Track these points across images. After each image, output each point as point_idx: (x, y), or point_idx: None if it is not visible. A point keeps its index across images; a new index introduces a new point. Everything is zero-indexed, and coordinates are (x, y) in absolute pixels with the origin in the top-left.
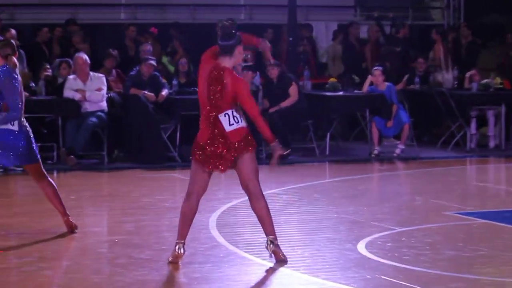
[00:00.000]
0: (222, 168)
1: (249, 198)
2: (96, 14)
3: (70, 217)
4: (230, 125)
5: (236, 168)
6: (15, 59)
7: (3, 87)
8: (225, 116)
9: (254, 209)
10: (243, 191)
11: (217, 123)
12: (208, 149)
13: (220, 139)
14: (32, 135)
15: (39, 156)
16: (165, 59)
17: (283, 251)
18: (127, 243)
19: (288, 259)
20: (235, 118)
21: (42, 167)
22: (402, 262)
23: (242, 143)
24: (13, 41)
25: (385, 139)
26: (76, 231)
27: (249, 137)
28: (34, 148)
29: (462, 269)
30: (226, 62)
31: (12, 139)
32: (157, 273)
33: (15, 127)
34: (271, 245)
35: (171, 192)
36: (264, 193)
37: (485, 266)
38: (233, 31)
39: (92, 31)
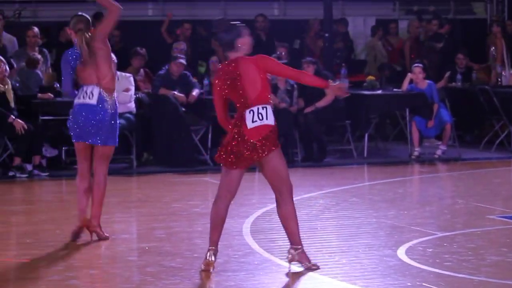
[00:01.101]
0: (241, 167)
1: (277, 201)
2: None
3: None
4: (253, 122)
5: (263, 170)
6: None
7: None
8: (249, 112)
9: (281, 213)
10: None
11: (242, 122)
12: (231, 149)
13: (242, 139)
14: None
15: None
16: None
17: (321, 257)
18: (158, 250)
19: (319, 265)
20: (259, 115)
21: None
22: (444, 269)
23: (265, 142)
24: (87, 17)
25: (426, 140)
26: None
27: (273, 136)
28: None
29: (508, 275)
30: (235, 55)
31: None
32: (189, 282)
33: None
34: (295, 254)
35: (203, 197)
36: (300, 197)
37: None
38: (231, 25)
39: (119, 28)
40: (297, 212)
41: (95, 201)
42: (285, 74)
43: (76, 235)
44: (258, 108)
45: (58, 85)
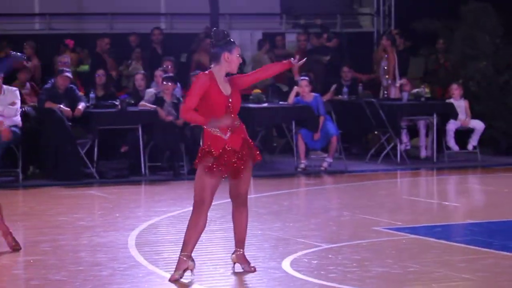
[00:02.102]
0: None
1: (235, 206)
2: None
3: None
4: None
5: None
6: None
7: None
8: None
9: (238, 217)
10: (165, 209)
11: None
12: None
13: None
14: None
15: None
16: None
17: (206, 269)
18: (43, 263)
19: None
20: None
21: None
22: (329, 280)
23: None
24: None
25: (312, 152)
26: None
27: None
28: None
29: (392, 286)
30: (216, 69)
31: None
32: None
33: None
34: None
35: (89, 210)
36: (186, 209)
37: (415, 283)
38: (223, 38)
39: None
40: (183, 224)
41: None
42: (257, 79)
43: None
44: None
45: None
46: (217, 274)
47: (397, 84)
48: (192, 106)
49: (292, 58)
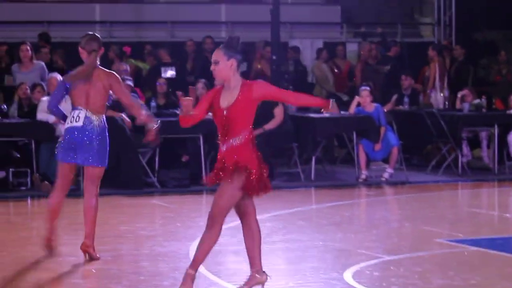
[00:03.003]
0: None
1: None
2: (71, 32)
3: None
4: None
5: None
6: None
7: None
8: None
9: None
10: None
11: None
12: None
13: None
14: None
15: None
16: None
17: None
18: (104, 273)
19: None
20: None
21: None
22: None
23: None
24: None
25: (373, 163)
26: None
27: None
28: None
29: None
30: None
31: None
32: None
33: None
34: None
35: (150, 219)
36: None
37: None
38: (234, 46)
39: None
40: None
41: (88, 222)
42: (285, 100)
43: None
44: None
45: (4, 107)
46: (279, 285)
47: (439, 94)
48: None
49: (332, 100)
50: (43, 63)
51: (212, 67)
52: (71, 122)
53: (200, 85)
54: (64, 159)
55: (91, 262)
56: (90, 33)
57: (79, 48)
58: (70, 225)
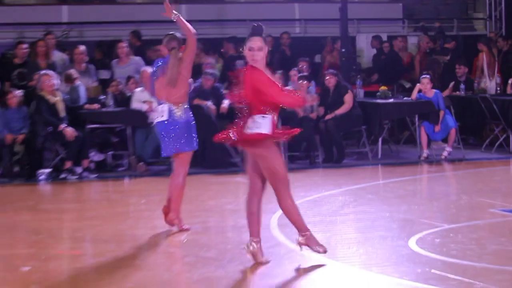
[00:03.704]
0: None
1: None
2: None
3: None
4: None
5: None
6: (180, 53)
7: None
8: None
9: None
10: (302, 193)
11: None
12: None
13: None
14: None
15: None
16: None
17: (341, 247)
18: (195, 243)
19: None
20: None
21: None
22: (450, 257)
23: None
24: (179, 35)
25: (433, 143)
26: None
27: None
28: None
29: (506, 262)
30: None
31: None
32: (223, 270)
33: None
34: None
35: (234, 195)
36: (321, 194)
37: None
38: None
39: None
40: (319, 207)
41: (174, 198)
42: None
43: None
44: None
45: (104, 97)
46: (351, 251)
47: (489, 81)
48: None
49: (310, 95)
50: (138, 58)
51: (254, 54)
52: (158, 117)
53: (277, 76)
54: (169, 154)
55: (183, 233)
56: (171, 32)
57: (161, 46)
58: (163, 201)
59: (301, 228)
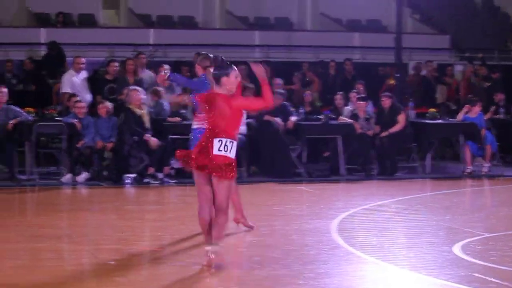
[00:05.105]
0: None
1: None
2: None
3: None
4: (218, 150)
5: (212, 187)
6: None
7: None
8: (218, 141)
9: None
10: (359, 202)
11: (210, 144)
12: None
13: (207, 156)
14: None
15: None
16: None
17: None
18: (262, 244)
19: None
20: (225, 147)
21: None
22: (490, 262)
23: (223, 168)
24: (210, 55)
25: (476, 159)
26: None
27: (231, 166)
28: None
29: None
30: (218, 90)
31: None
32: (287, 269)
33: None
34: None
35: (298, 202)
36: (375, 203)
37: None
38: (224, 64)
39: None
40: (374, 215)
41: (234, 201)
42: (252, 107)
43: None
44: (226, 141)
45: (185, 111)
46: (401, 255)
47: None
48: None
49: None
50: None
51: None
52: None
53: (339, 96)
54: None
55: (252, 234)
56: (203, 53)
57: (196, 65)
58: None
59: (217, 239)
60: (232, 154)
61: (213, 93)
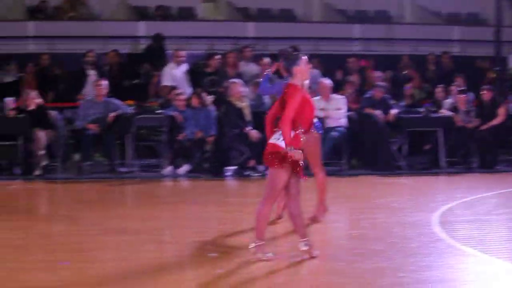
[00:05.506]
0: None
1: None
2: (333, 46)
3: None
4: (273, 139)
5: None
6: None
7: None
8: (278, 131)
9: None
10: (460, 195)
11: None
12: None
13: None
14: None
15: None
16: None
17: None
18: (363, 236)
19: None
20: (280, 136)
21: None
22: None
23: (270, 156)
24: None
25: None
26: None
27: (281, 155)
28: None
29: None
30: (292, 81)
31: None
32: (389, 261)
33: None
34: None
35: (400, 194)
36: (475, 196)
37: None
38: (293, 55)
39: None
40: (475, 208)
41: (320, 192)
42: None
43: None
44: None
45: None
46: (502, 247)
47: None
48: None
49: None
50: (316, 71)
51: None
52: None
53: (439, 89)
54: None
55: (353, 227)
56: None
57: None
58: (335, 198)
59: (259, 236)
60: (282, 143)
61: (288, 84)
